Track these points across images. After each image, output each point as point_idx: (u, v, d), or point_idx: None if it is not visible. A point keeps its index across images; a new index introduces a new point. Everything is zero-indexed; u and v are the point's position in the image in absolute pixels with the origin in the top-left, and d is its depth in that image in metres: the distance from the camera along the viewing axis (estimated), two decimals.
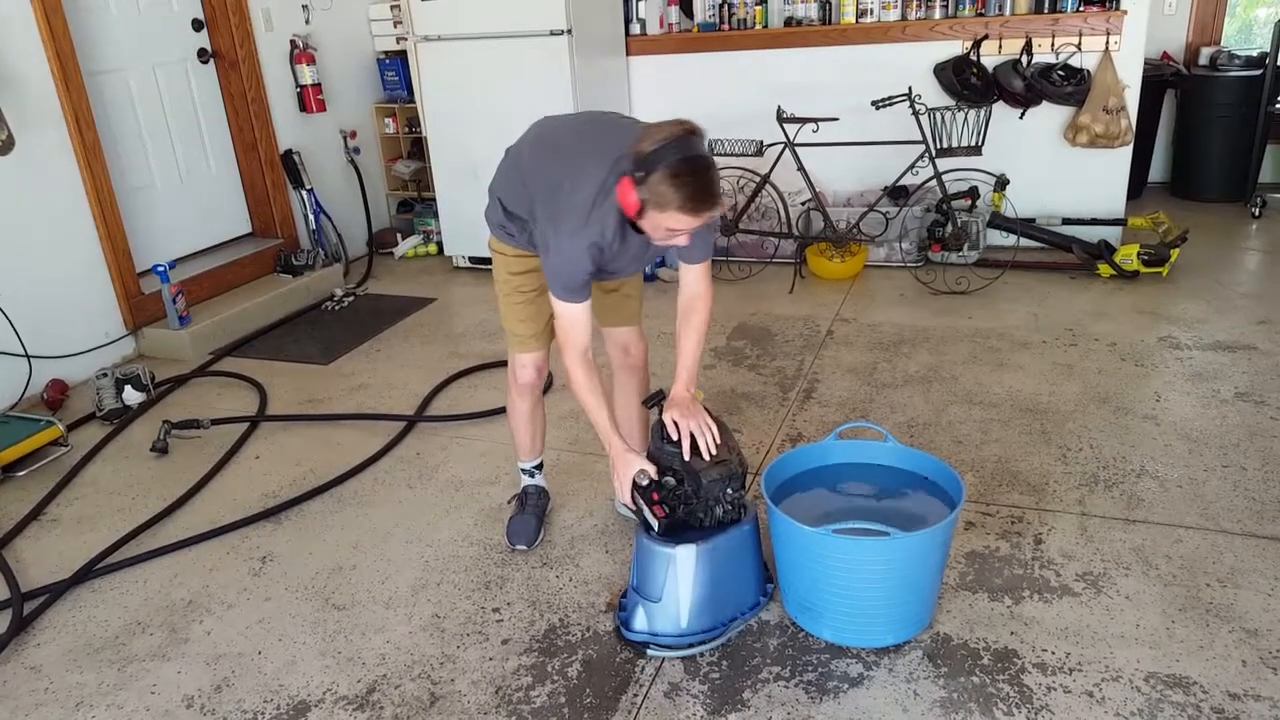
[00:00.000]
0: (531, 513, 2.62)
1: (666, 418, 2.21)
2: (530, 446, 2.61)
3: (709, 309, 2.34)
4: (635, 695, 2.05)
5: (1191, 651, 2.06)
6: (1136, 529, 2.50)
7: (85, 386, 3.79)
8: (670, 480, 2.15)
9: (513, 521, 2.62)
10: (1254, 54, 5.36)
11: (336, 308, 4.71)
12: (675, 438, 2.17)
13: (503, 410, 3.37)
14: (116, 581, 2.59)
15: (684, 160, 1.82)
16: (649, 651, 2.15)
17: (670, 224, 1.87)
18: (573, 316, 2.09)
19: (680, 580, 2.12)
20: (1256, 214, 5.25)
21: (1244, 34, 6.03)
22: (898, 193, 4.53)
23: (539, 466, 2.66)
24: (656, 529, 2.12)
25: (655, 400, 2.34)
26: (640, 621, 2.17)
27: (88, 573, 2.60)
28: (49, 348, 3.82)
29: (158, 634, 2.36)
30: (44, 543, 2.81)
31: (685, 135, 1.84)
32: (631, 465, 2.16)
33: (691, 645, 2.15)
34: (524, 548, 2.57)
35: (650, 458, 2.21)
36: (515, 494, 2.71)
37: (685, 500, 2.14)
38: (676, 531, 2.14)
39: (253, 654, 2.26)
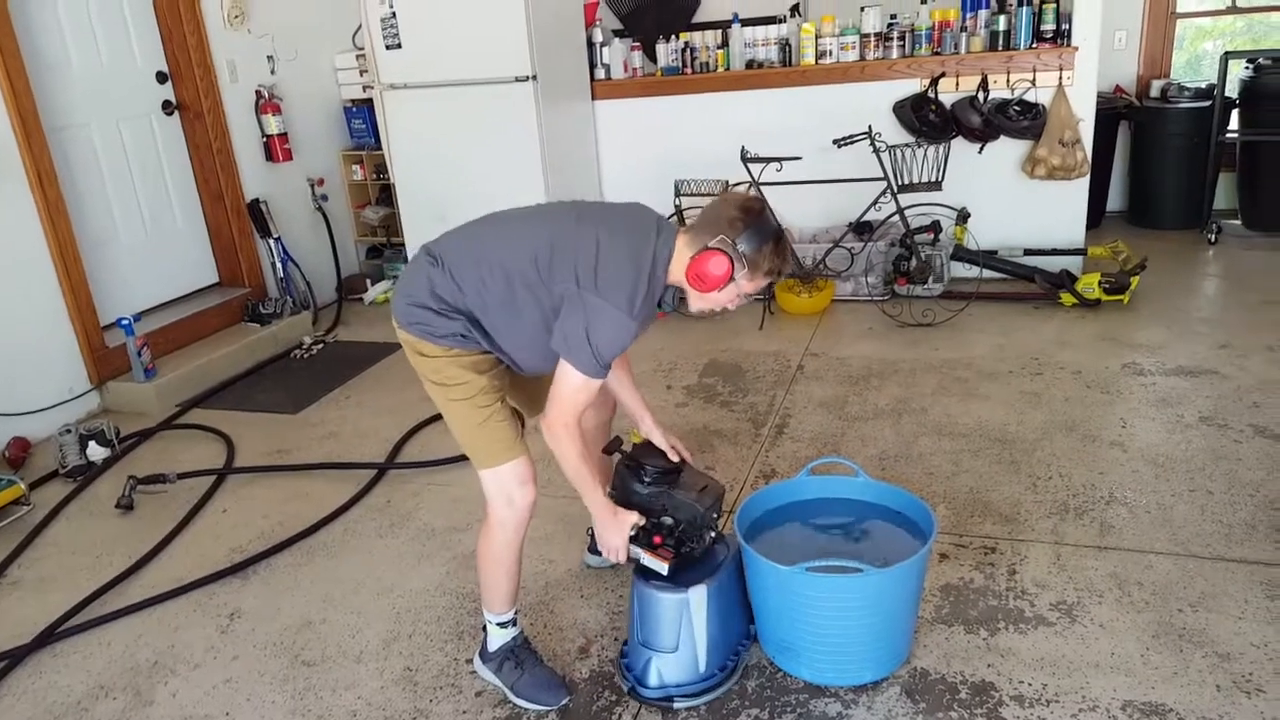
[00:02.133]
0: (538, 662, 2.20)
1: (665, 443, 2.24)
2: (516, 591, 2.19)
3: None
4: None
5: (1166, 678, 2.06)
6: (1108, 556, 2.52)
7: (48, 443, 3.72)
8: (668, 520, 2.13)
9: (524, 684, 2.15)
10: (1203, 85, 5.51)
11: (305, 356, 4.68)
12: (674, 460, 2.21)
13: None
14: (79, 644, 2.53)
15: (780, 232, 1.97)
16: (675, 705, 2.09)
17: (752, 289, 1.98)
18: (591, 389, 1.96)
19: (695, 623, 2.08)
20: (1212, 240, 5.36)
21: (1192, 66, 6.20)
22: (862, 228, 4.59)
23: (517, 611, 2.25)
24: (667, 573, 2.08)
25: (616, 447, 2.31)
26: (655, 677, 2.11)
27: (49, 636, 2.54)
28: (11, 404, 3.75)
29: (121, 698, 2.30)
30: (4, 606, 2.74)
31: (765, 208, 1.97)
32: (624, 522, 2.11)
33: (712, 688, 2.12)
34: (568, 700, 2.16)
35: (628, 505, 2.17)
36: (497, 656, 2.19)
37: (686, 535, 2.12)
38: (682, 570, 2.11)
39: (220, 715, 2.21)
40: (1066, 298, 4.45)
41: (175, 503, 3.24)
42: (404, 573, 2.73)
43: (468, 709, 2.16)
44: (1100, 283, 4.39)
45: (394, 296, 2.13)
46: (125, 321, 4.05)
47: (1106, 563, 2.49)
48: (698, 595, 2.06)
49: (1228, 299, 4.62)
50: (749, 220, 1.90)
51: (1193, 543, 2.54)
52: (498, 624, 2.17)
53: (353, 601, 2.61)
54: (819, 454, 3.17)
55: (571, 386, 1.93)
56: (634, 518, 2.12)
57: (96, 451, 3.58)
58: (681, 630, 2.08)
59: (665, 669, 2.10)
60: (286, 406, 4.06)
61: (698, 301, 2.00)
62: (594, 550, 2.57)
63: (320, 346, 4.77)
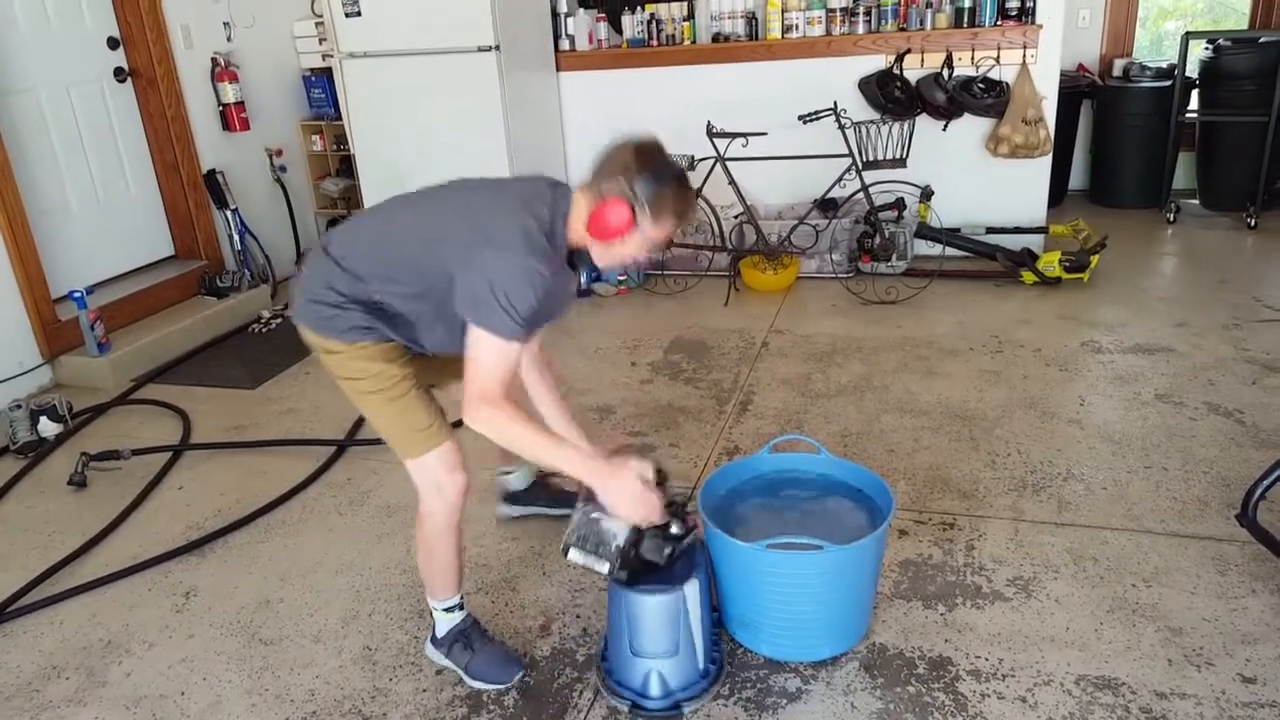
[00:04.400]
0: (488, 640, 2.17)
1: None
2: (460, 575, 2.14)
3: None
4: None
5: (1119, 652, 2.10)
6: (1064, 532, 2.55)
7: None
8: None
9: (476, 664, 2.12)
10: (1164, 65, 5.55)
11: (264, 330, 4.61)
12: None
13: None
14: (30, 624, 2.48)
15: (681, 171, 1.89)
16: (685, 710, 1.99)
17: (661, 235, 1.87)
18: (511, 356, 1.81)
19: (693, 620, 1.98)
20: (1171, 219, 5.43)
21: (1155, 46, 6.25)
22: (827, 205, 4.58)
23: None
24: (683, 534, 1.95)
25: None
26: (658, 686, 1.98)
27: None
28: None
29: (74, 678, 2.26)
30: None
31: (662, 148, 1.88)
32: (630, 469, 1.87)
33: (714, 682, 2.04)
34: (521, 672, 2.14)
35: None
36: (447, 640, 2.15)
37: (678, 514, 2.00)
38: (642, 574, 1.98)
39: (175, 695, 2.18)
40: (1028, 276, 4.48)
41: (130, 480, 3.18)
42: (364, 551, 2.70)
43: (427, 687, 2.15)
44: (1061, 261, 4.43)
45: (294, 298, 2.06)
46: (77, 294, 3.96)
47: (1063, 538, 2.52)
48: (693, 590, 1.97)
49: (1185, 278, 4.69)
50: (645, 162, 1.80)
51: (1147, 518, 2.58)
52: (443, 609, 2.14)
53: (311, 580, 2.58)
54: (782, 431, 3.18)
55: (488, 357, 1.78)
56: (636, 463, 1.90)
57: (48, 427, 3.51)
58: (680, 630, 1.97)
59: (668, 676, 1.98)
60: (244, 382, 3.99)
61: (604, 257, 1.90)
62: (511, 500, 2.58)
63: (279, 320, 4.69)
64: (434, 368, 2.17)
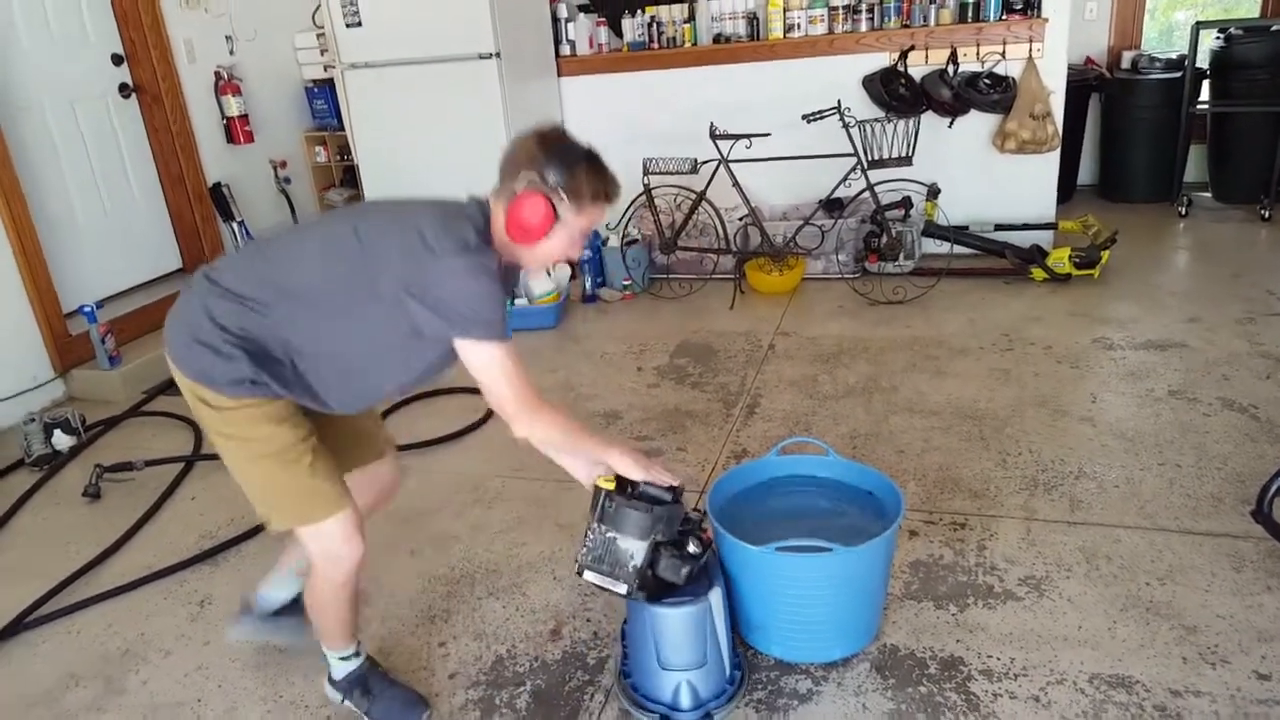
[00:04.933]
0: (388, 684, 2.08)
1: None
2: (355, 624, 2.05)
3: None
4: None
5: (1133, 650, 2.08)
6: (1077, 531, 2.54)
7: (12, 432, 3.66)
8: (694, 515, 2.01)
9: (377, 710, 2.03)
10: (1174, 56, 5.52)
11: None
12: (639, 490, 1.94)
13: (449, 438, 3.36)
14: (49, 634, 2.50)
15: (591, 151, 1.77)
16: (715, 718, 1.98)
17: (587, 223, 1.75)
18: (515, 355, 1.72)
19: (719, 627, 1.99)
20: (1183, 213, 5.40)
21: (1164, 37, 6.22)
22: (832, 205, 4.58)
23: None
24: (700, 553, 1.94)
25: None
26: (689, 698, 1.97)
27: (18, 626, 2.51)
28: None
29: (93, 686, 2.28)
30: None
31: (563, 130, 1.78)
32: (636, 451, 1.90)
33: (740, 685, 2.05)
34: (427, 713, 2.06)
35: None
36: (343, 685, 2.06)
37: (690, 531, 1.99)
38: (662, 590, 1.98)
39: (192, 702, 2.19)
40: (1037, 273, 4.46)
41: (143, 490, 3.20)
42: (375, 556, 2.67)
43: (440, 691, 2.15)
44: (1071, 257, 4.41)
45: (169, 331, 1.77)
46: (88, 309, 3.99)
47: (1075, 537, 2.51)
48: (717, 598, 1.97)
49: (1197, 272, 4.66)
50: (550, 148, 1.69)
51: (1161, 516, 2.57)
52: (339, 658, 2.04)
53: None
54: (790, 433, 3.17)
55: (503, 365, 1.70)
56: (630, 449, 1.92)
57: (62, 440, 3.53)
58: (708, 639, 1.98)
59: (698, 686, 1.98)
60: None
61: (532, 259, 1.77)
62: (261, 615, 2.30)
63: None
64: (331, 439, 1.91)
